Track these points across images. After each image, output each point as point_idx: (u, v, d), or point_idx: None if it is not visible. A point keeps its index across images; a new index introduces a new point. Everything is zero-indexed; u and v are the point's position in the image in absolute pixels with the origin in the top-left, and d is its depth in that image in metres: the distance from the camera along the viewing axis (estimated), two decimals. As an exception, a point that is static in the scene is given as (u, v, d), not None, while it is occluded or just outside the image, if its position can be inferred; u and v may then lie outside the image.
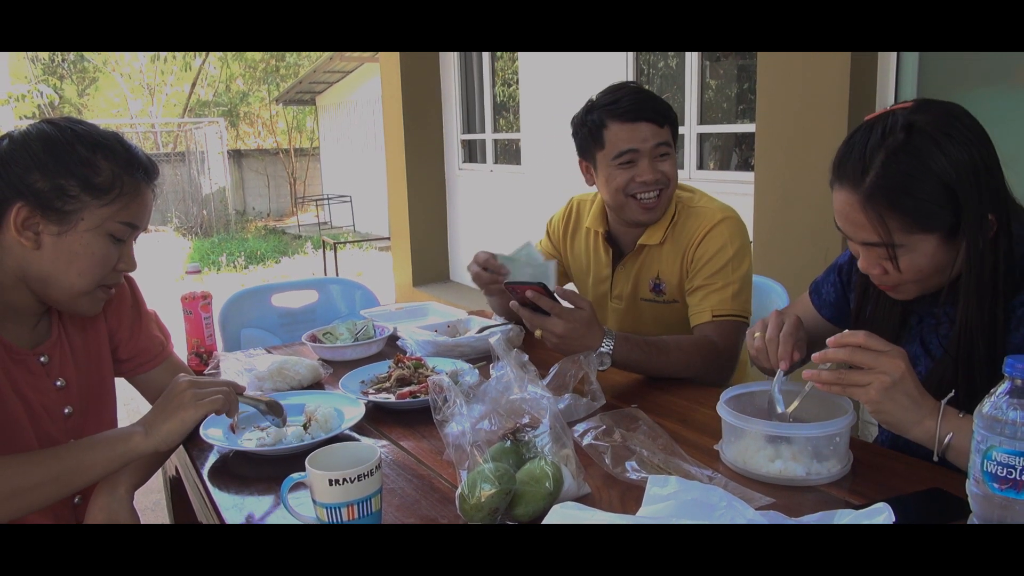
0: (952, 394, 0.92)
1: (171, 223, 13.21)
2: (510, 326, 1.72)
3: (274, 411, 1.22)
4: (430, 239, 6.43)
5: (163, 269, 8.58)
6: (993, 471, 0.68)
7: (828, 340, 1.00)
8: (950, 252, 1.03)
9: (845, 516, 0.78)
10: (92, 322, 1.28)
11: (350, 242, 9.58)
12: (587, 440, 1.12)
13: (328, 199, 13.27)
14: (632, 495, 1.01)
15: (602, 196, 1.73)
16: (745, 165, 3.99)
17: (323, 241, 8.18)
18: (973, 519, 0.74)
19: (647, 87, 1.73)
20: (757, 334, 1.15)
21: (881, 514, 0.73)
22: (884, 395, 0.94)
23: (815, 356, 1.01)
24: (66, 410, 1.21)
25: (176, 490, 1.68)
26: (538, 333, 1.39)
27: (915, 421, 0.95)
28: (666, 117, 1.60)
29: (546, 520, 0.81)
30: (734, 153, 4.21)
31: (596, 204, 1.81)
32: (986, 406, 0.70)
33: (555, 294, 1.39)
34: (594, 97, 1.66)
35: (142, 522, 1.16)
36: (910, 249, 1.02)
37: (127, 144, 1.16)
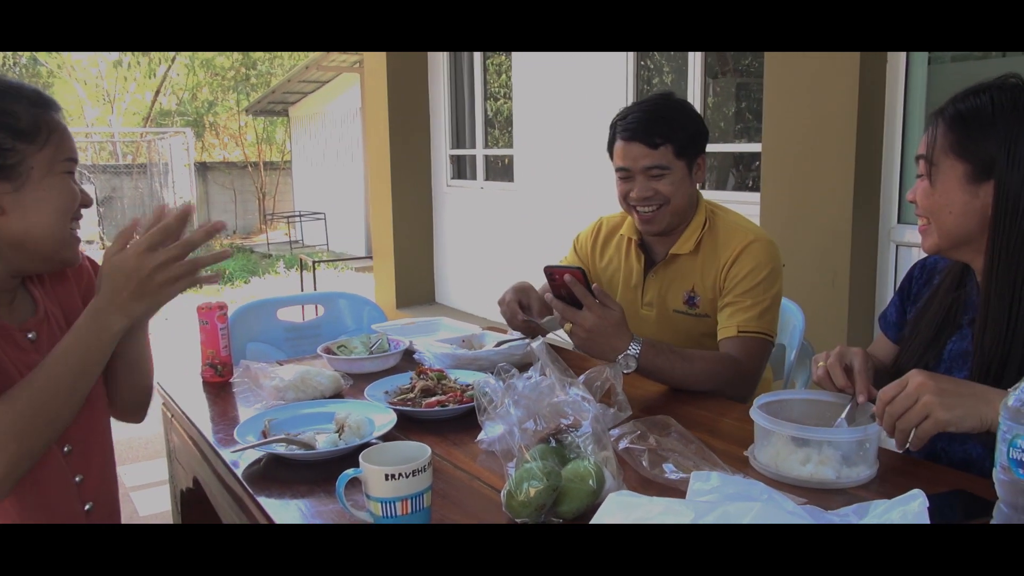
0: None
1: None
2: (527, 340, 1.83)
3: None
4: (415, 259, 6.53)
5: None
6: (1018, 458, 0.80)
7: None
8: (971, 194, 1.19)
9: (880, 505, 0.90)
10: (68, 296, 1.33)
11: (325, 261, 9.65)
12: (623, 444, 1.23)
13: (300, 216, 13.33)
14: (670, 495, 1.12)
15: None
16: (742, 185, 4.15)
17: (300, 260, 8.24)
18: (1000, 506, 0.85)
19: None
20: (821, 363, 1.29)
21: (916, 500, 0.85)
22: (940, 409, 1.05)
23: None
24: None
25: (187, 502, 1.75)
26: (567, 327, 1.50)
27: (983, 404, 1.05)
28: (667, 139, 1.73)
29: (603, 507, 0.91)
30: (731, 173, 4.37)
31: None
32: (1011, 399, 0.82)
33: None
34: (629, 104, 1.84)
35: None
36: (942, 170, 1.20)
37: (21, 83, 1.20)
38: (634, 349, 1.50)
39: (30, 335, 1.21)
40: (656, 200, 1.77)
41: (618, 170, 1.80)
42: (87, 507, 1.25)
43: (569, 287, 1.47)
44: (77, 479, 1.23)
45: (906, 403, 1.08)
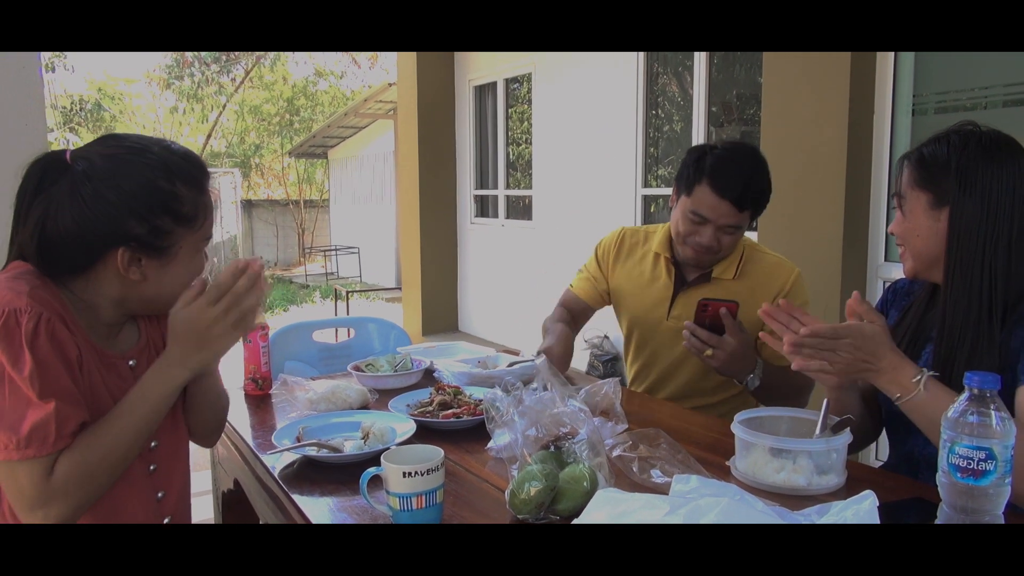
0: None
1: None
2: (536, 362, 1.89)
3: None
4: (441, 290, 6.63)
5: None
6: (956, 463, 0.86)
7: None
8: (933, 219, 1.28)
9: (836, 505, 0.95)
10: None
11: (358, 291, 9.79)
12: (616, 452, 1.29)
13: (336, 250, 13.54)
14: (657, 498, 1.18)
15: (670, 224, 1.91)
16: (749, 225, 4.20)
17: (335, 290, 8.39)
18: (943, 507, 0.90)
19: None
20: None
21: (867, 499, 0.90)
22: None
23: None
24: None
25: (227, 503, 1.82)
26: (708, 352, 1.62)
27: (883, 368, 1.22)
28: (753, 205, 1.76)
29: (592, 501, 0.97)
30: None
31: (664, 231, 1.97)
32: (951, 411, 0.88)
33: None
34: (715, 143, 1.82)
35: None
36: (909, 201, 1.31)
37: (187, 157, 1.17)
38: (759, 369, 1.68)
39: (131, 362, 1.23)
40: (714, 250, 1.80)
41: (692, 213, 1.77)
42: (165, 520, 1.27)
43: (720, 317, 1.61)
44: (159, 495, 1.26)
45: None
